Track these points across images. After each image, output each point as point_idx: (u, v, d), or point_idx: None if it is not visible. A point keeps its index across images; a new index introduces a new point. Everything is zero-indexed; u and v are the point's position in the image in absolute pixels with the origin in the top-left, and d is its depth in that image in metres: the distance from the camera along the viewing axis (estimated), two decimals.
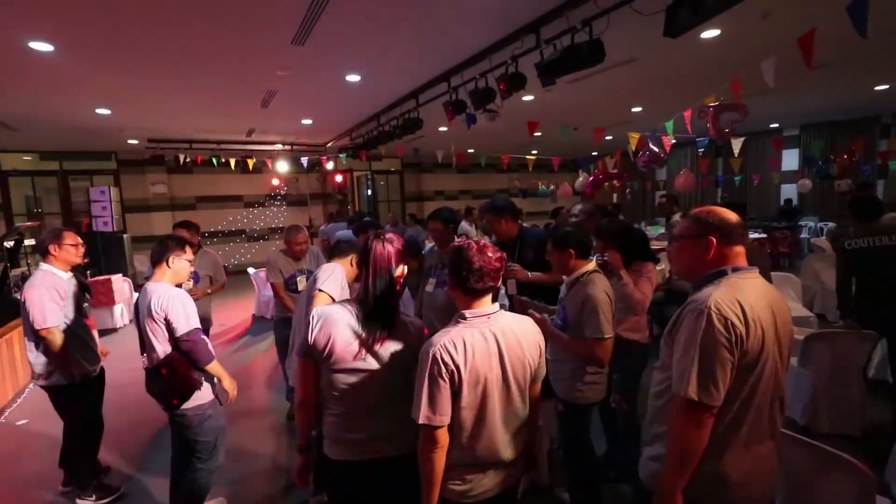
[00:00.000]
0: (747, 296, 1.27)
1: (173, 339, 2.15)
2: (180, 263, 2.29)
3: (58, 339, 2.50)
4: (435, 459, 1.35)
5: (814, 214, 10.45)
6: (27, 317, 2.50)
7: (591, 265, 2.14)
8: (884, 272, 2.96)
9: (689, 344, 1.26)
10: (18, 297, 2.61)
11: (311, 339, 1.47)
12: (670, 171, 11.87)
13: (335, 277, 2.27)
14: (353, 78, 5.19)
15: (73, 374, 2.58)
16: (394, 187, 13.28)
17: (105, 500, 2.70)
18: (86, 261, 7.21)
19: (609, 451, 2.80)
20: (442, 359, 1.33)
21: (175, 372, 2.14)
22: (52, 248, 2.61)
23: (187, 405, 2.19)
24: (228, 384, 2.32)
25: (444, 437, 1.36)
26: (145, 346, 2.21)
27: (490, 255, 1.42)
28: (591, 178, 6.91)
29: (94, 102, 5.83)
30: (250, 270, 7.16)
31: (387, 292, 1.49)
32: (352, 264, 2.34)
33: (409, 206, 12.91)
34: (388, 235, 1.57)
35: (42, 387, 2.64)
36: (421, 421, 1.34)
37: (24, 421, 3.82)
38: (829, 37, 3.97)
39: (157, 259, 2.26)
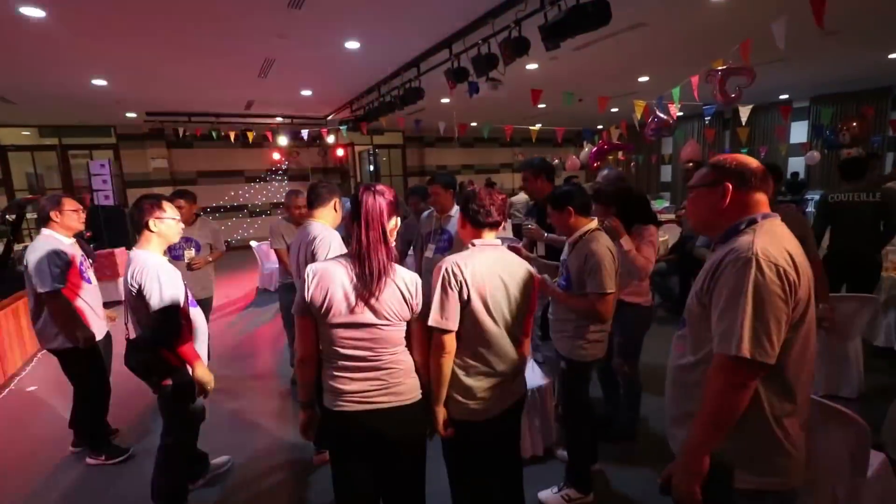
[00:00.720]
0: (787, 242, 1.18)
1: (147, 312, 1.98)
2: (164, 224, 2.06)
3: (61, 302, 2.52)
4: (443, 364, 1.57)
5: (821, 188, 10.32)
6: (31, 281, 2.52)
7: (593, 223, 2.13)
8: (853, 222, 3.43)
9: (734, 297, 1.11)
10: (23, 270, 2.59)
11: (307, 295, 1.47)
12: (676, 144, 11.70)
13: (334, 252, 2.19)
14: (353, 45, 5.07)
15: (77, 338, 2.59)
16: (396, 162, 13.17)
17: (114, 461, 2.77)
18: (89, 234, 7.25)
19: (608, 413, 2.84)
20: (452, 272, 1.56)
21: (153, 347, 2.01)
22: (52, 214, 2.61)
23: (167, 382, 2.07)
24: (202, 373, 2.10)
25: (451, 343, 1.57)
26: (128, 317, 2.11)
27: (495, 195, 1.70)
28: (594, 149, 6.76)
29: (90, 73, 5.74)
30: (253, 244, 7.19)
31: (380, 245, 1.48)
32: (335, 209, 2.30)
33: (412, 180, 12.83)
34: (379, 187, 1.54)
35: (48, 350, 2.68)
36: (432, 324, 1.54)
37: (33, 387, 3.90)
38: (844, 1, 3.84)
39: (137, 226, 2.05)
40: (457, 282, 1.55)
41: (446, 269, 1.56)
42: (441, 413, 1.64)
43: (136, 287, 1.96)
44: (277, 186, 11.59)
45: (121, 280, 6.58)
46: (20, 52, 4.79)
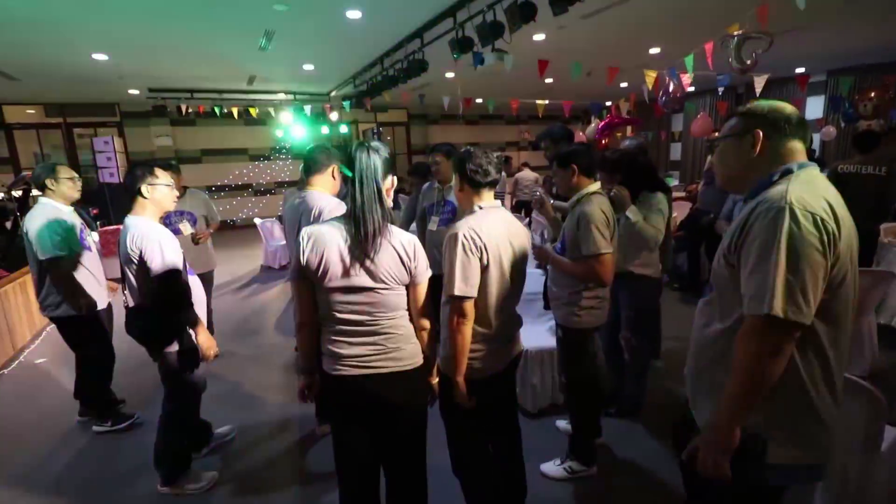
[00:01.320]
0: (827, 192, 1.06)
1: (149, 278, 1.98)
2: (158, 191, 2.06)
3: (62, 268, 2.53)
4: (465, 332, 1.58)
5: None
6: (31, 248, 2.51)
7: (595, 186, 2.08)
8: (856, 194, 3.53)
9: (766, 251, 1.00)
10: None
11: (303, 259, 1.43)
12: (687, 121, 11.42)
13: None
14: (355, 14, 4.93)
15: (80, 304, 2.60)
16: (400, 140, 13.02)
17: (120, 426, 2.81)
18: (95, 211, 7.27)
19: (614, 388, 2.81)
20: (471, 237, 1.54)
21: (154, 314, 2.01)
22: (48, 182, 2.59)
23: (169, 349, 2.07)
24: (204, 339, 2.12)
25: (471, 309, 1.58)
26: (126, 285, 2.08)
27: (490, 154, 1.66)
28: (602, 123, 6.56)
29: (90, 47, 5.65)
30: (257, 220, 7.16)
31: (375, 204, 1.41)
32: (333, 176, 2.23)
33: (416, 158, 12.69)
34: (374, 144, 1.46)
35: (51, 318, 2.69)
36: (456, 293, 1.53)
37: (42, 360, 3.95)
38: None
39: (131, 192, 2.04)
40: (476, 247, 1.54)
41: (465, 235, 1.54)
42: (462, 384, 1.62)
43: (137, 252, 1.95)
44: (282, 165, 11.52)
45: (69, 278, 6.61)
46: (20, 26, 4.71)
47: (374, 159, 1.43)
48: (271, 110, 9.26)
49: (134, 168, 2.07)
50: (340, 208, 2.15)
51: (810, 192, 1.03)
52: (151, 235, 1.97)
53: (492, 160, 1.65)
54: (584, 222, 1.95)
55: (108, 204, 7.58)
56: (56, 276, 2.53)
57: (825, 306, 1.03)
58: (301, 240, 1.44)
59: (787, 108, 1.16)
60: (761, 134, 1.13)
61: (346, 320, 1.47)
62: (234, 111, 8.90)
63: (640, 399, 2.73)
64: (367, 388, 1.49)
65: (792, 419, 1.09)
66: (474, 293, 1.55)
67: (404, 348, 1.52)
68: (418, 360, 1.56)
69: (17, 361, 3.94)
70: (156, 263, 1.95)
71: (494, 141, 14.01)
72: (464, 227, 1.56)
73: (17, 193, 5.77)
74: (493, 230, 1.59)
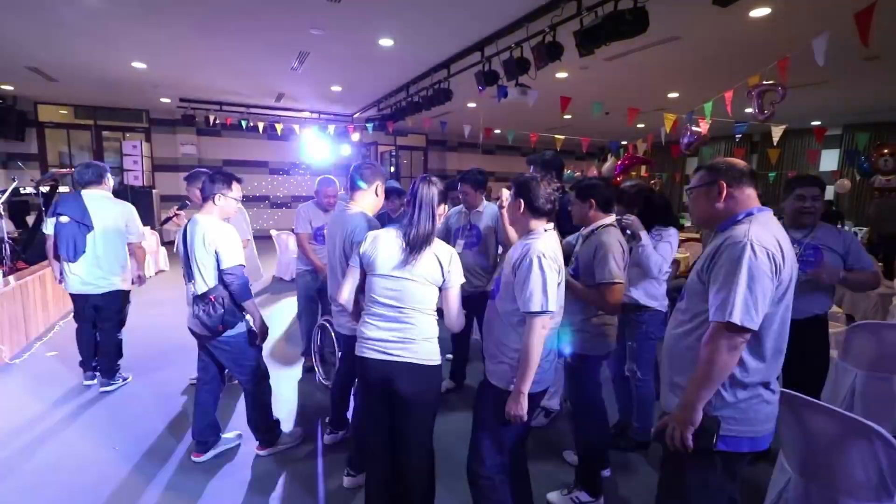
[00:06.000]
0: (777, 231, 1.39)
1: (217, 270, 2.26)
2: (226, 202, 2.34)
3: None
4: (540, 345, 1.65)
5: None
6: (130, 232, 3.31)
7: (609, 219, 2.17)
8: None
9: (731, 274, 1.32)
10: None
11: (362, 249, 1.82)
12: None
13: None
14: (387, 42, 5.15)
15: (143, 276, 3.44)
16: (417, 164, 13.26)
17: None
18: None
19: (621, 421, 2.80)
20: (550, 257, 1.66)
21: (223, 301, 2.26)
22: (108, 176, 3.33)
23: (231, 332, 2.32)
24: (260, 324, 2.41)
25: (549, 322, 1.68)
26: (192, 274, 2.30)
27: (548, 184, 1.79)
28: (620, 162, 6.72)
29: (131, 55, 5.92)
30: (273, 232, 7.28)
31: (428, 223, 1.77)
32: (377, 193, 2.24)
33: None
34: (433, 179, 1.84)
35: (110, 293, 3.22)
36: (541, 308, 1.61)
37: (53, 353, 4.00)
38: (886, 25, 3.77)
39: (205, 195, 2.33)
40: (556, 266, 1.68)
41: (544, 255, 1.65)
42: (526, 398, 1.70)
43: (213, 248, 2.22)
44: (300, 180, 11.76)
45: (146, 256, 6.72)
46: (70, 32, 4.97)
47: (433, 190, 1.83)
48: (295, 127, 9.53)
49: (215, 175, 2.34)
50: (370, 230, 2.25)
51: (765, 231, 1.36)
52: (226, 236, 2.26)
53: (552, 192, 1.78)
54: (602, 251, 2.04)
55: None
56: (144, 254, 3.33)
57: (770, 319, 1.35)
58: (366, 237, 1.85)
59: (741, 162, 1.51)
60: (724, 184, 1.46)
61: (381, 303, 1.78)
62: (260, 125, 9.17)
63: (647, 433, 2.71)
64: (383, 371, 1.77)
65: (741, 403, 1.39)
66: (555, 308, 1.67)
67: (421, 344, 1.77)
68: (434, 359, 1.80)
69: (29, 352, 3.99)
70: (226, 259, 2.23)
71: (509, 171, 14.22)
72: (539, 248, 1.66)
73: (44, 189, 5.93)
74: (558, 251, 1.76)
